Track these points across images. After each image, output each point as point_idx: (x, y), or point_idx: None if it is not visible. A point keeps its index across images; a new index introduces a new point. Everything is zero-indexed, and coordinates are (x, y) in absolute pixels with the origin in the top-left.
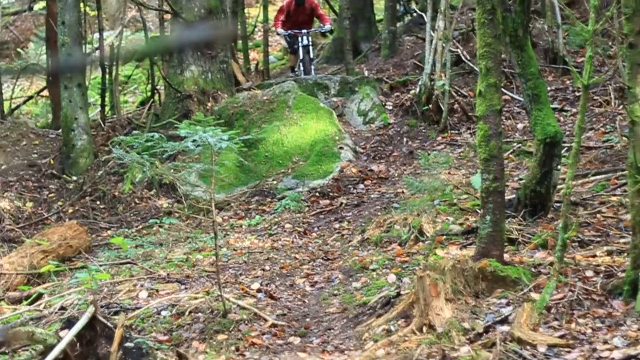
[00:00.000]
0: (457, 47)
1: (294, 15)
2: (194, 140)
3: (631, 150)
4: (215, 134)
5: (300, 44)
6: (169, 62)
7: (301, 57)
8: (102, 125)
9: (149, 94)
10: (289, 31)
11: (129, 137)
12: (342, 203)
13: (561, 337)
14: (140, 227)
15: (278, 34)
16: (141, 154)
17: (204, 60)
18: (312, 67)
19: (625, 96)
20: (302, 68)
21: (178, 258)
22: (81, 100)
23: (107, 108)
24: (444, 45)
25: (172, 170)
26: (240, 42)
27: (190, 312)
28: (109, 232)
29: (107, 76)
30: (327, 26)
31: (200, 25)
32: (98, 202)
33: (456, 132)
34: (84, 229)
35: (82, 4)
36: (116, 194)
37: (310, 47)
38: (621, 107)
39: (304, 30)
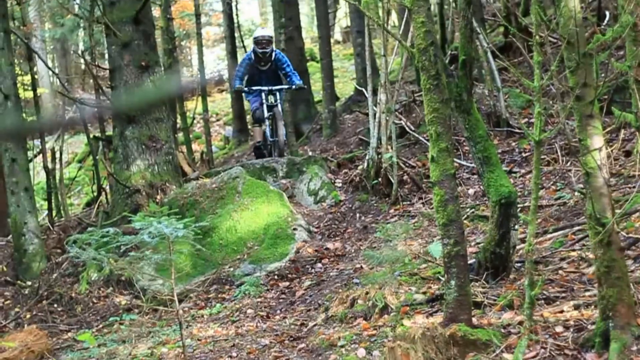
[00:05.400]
0: (400, 119)
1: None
2: (150, 232)
3: (589, 201)
4: (170, 224)
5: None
6: (114, 159)
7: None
8: (52, 228)
9: (94, 194)
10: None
11: (84, 235)
12: (302, 284)
13: None
14: (101, 326)
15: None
16: (97, 251)
17: (149, 154)
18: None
19: (573, 151)
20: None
21: (143, 353)
22: (29, 204)
23: (53, 212)
24: (387, 118)
25: (130, 264)
26: (181, 134)
27: None
28: (70, 334)
29: (51, 179)
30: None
31: (174, 79)
32: (55, 305)
33: (408, 202)
34: (44, 333)
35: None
36: (73, 295)
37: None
38: (569, 163)
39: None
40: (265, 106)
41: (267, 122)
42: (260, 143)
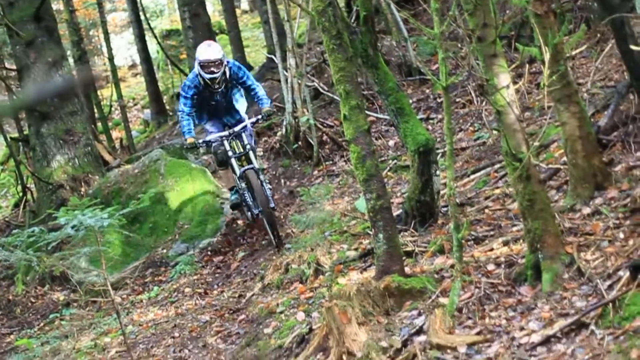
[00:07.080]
0: (313, 81)
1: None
2: (75, 225)
3: (503, 139)
4: (94, 215)
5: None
6: (33, 157)
7: (244, 189)
8: None
9: (20, 194)
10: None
11: (10, 238)
12: (235, 256)
13: (478, 333)
14: (42, 324)
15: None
16: (26, 251)
17: (67, 148)
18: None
19: (486, 90)
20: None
21: (86, 345)
22: None
23: None
24: (299, 81)
25: (60, 261)
26: (99, 123)
27: None
28: (12, 336)
29: None
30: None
31: (58, 79)
32: None
33: (331, 162)
34: None
35: None
36: (10, 297)
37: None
38: (484, 103)
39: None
40: (234, 159)
41: (242, 185)
42: (237, 194)
